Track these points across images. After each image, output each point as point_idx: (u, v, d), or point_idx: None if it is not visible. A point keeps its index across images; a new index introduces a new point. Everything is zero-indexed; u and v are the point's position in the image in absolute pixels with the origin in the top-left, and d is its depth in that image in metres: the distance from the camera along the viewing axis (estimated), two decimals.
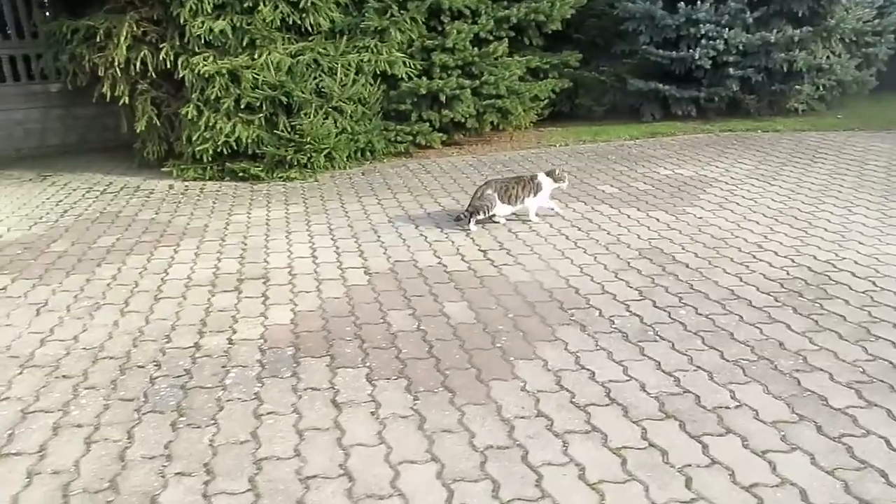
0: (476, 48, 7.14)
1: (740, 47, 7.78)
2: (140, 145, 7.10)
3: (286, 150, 6.47)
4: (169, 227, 5.21)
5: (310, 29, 6.53)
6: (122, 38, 6.39)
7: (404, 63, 6.91)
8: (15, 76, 7.87)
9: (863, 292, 3.56)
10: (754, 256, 4.14)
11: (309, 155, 6.52)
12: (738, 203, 5.24)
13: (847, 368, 2.81)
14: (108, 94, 6.73)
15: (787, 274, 3.85)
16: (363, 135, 6.85)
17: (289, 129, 6.45)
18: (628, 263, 4.10)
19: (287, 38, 6.58)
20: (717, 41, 7.66)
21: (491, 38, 7.25)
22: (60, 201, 6.08)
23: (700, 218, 4.92)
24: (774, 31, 7.65)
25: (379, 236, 4.81)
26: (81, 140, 8.10)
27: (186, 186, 6.53)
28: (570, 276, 3.94)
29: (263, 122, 6.46)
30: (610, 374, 2.83)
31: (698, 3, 7.62)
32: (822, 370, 2.81)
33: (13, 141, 7.96)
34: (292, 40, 6.59)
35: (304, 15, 6.40)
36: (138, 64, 6.51)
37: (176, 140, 6.86)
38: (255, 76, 6.25)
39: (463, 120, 7.25)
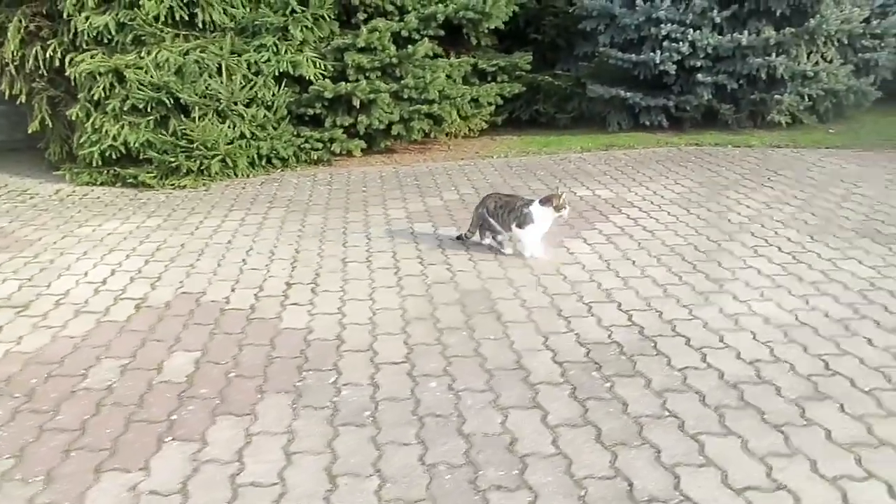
0: (401, 49, 6.46)
1: (709, 51, 6.83)
2: (44, 146, 6.76)
3: (176, 156, 5.98)
4: (2, 238, 4.80)
5: (203, 25, 5.99)
6: (12, 34, 6.04)
7: (314, 63, 6.31)
8: None
9: (679, 370, 2.77)
10: (590, 310, 3.38)
11: (200, 161, 6.02)
12: (631, 236, 4.44)
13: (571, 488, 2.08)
14: (7, 93, 6.40)
15: (608, 337, 3.09)
16: (265, 141, 6.29)
17: (179, 134, 5.95)
18: (433, 313, 3.40)
19: (183, 36, 6.07)
20: (682, 43, 6.74)
21: (418, 37, 6.55)
22: None
23: (572, 253, 4.15)
24: (747, 32, 6.67)
25: (198, 259, 4.26)
26: (8, 138, 7.86)
27: (73, 192, 6.15)
28: (349, 325, 3.27)
29: (153, 126, 5.98)
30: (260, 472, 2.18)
31: (657, 0, 6.72)
32: (529, 488, 2.08)
33: None
34: (189, 37, 6.09)
35: (195, 10, 5.87)
36: (31, 61, 6.15)
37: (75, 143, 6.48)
38: (141, 76, 5.78)
39: (384, 127, 6.60)
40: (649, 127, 7.64)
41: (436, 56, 6.82)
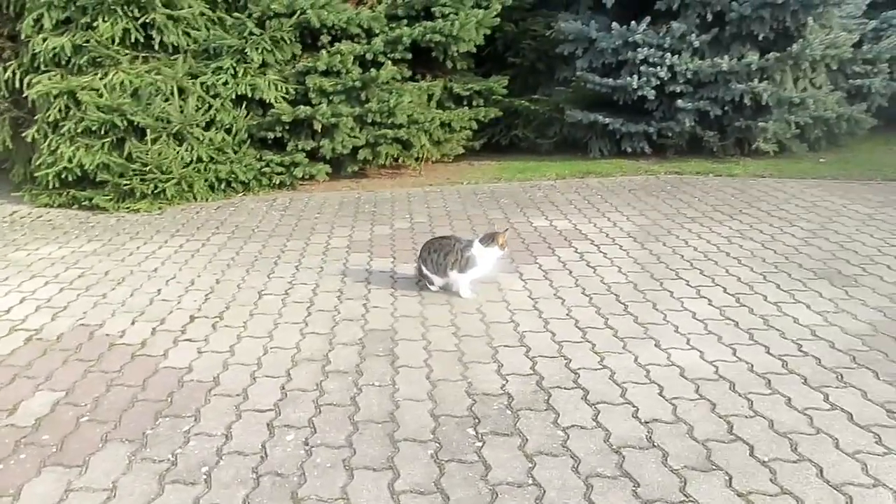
0: (367, 72, 6.29)
1: (689, 76, 6.54)
2: (8, 167, 6.72)
3: (131, 179, 5.87)
4: None
5: (160, 47, 5.89)
6: None
7: (275, 87, 6.17)
8: None
9: (564, 429, 2.49)
10: (494, 355, 3.12)
11: (155, 185, 5.89)
12: (571, 272, 4.17)
13: None
14: None
15: (501, 387, 2.82)
16: (224, 164, 6.15)
17: (133, 157, 5.84)
18: (327, 354, 3.17)
19: (141, 58, 5.98)
20: (660, 68, 6.47)
21: (385, 60, 6.38)
22: None
23: (500, 290, 3.89)
24: (727, 57, 6.37)
25: (114, 289, 4.10)
26: None
27: (28, 214, 6.08)
28: (232, 365, 3.05)
29: (108, 148, 5.88)
30: None
31: (632, 23, 6.46)
32: None
33: None
34: (147, 59, 5.99)
35: (151, 32, 5.77)
36: None
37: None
38: (95, 98, 5.69)
39: (348, 151, 6.42)
40: (631, 154, 7.36)
41: (405, 79, 6.64)
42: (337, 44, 6.24)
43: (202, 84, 5.88)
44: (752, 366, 2.93)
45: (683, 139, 7.12)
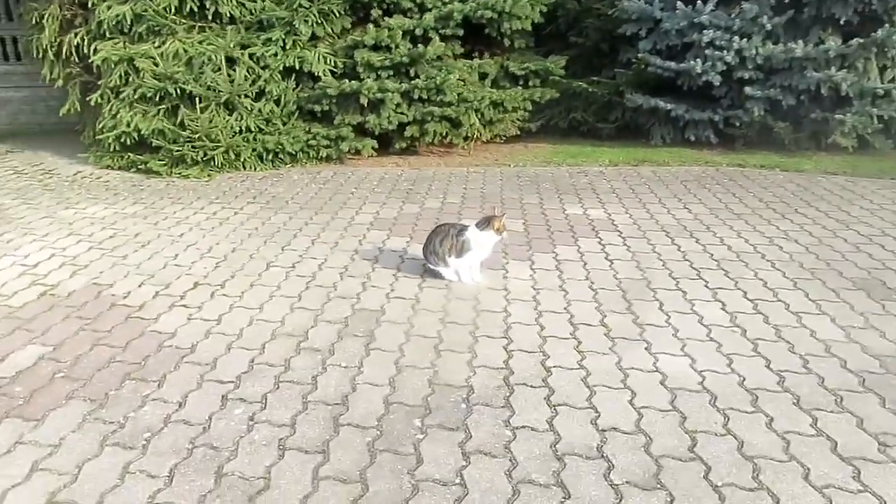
0: (415, 48, 6.21)
1: (759, 61, 6.08)
2: (80, 129, 7.08)
3: (182, 146, 6.06)
4: None
5: (213, 17, 6.02)
6: (49, 22, 6.35)
7: (325, 59, 6.20)
8: (5, 56, 8.29)
9: (514, 429, 2.38)
10: (473, 345, 3.02)
11: (204, 152, 6.07)
12: (586, 264, 3.99)
13: None
14: (47, 77, 6.75)
15: (466, 380, 2.73)
16: (272, 135, 6.25)
17: (185, 124, 6.03)
18: (308, 331, 3.16)
19: (198, 28, 6.13)
20: (726, 52, 6.04)
21: (437, 36, 6.28)
22: None
23: (505, 278, 3.77)
24: (802, 42, 5.88)
25: (136, 250, 4.25)
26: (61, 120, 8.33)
27: (90, 174, 6.39)
28: (214, 334, 3.09)
29: (164, 115, 6.09)
30: None
31: (698, 3, 6.05)
32: None
33: (5, 117, 8.46)
34: (203, 29, 6.14)
35: (206, 2, 5.91)
36: (66, 48, 6.44)
37: None
38: (151, 66, 5.89)
39: (394, 127, 6.39)
40: (695, 143, 6.95)
41: (456, 56, 6.51)
42: (387, 18, 6.16)
43: (251, 55, 5.96)
44: (744, 379, 2.69)
45: (753, 129, 6.66)
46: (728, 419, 2.43)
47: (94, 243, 4.39)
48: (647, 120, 7.13)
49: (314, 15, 5.94)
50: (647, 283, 3.67)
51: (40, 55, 6.64)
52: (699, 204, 5.19)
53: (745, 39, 6.03)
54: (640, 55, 6.58)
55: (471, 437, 2.34)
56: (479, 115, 6.69)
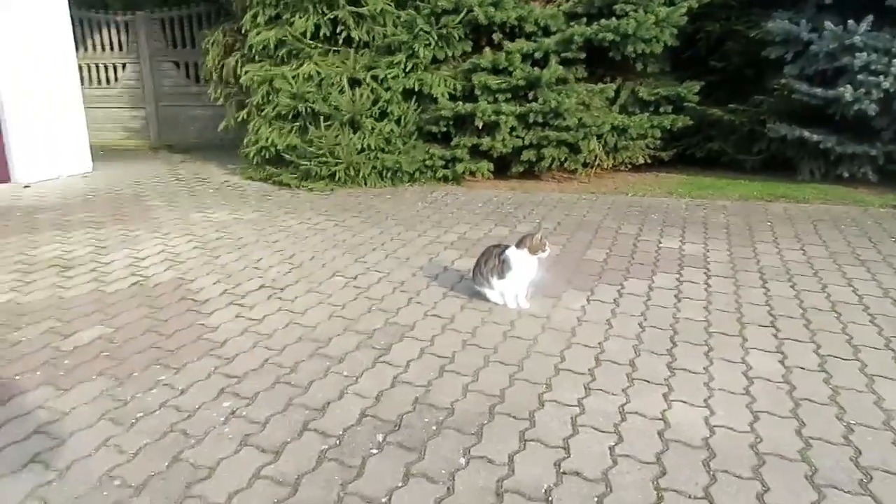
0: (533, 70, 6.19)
1: None
2: (239, 143, 7.87)
3: (309, 161, 6.53)
4: (135, 212, 5.78)
5: (344, 42, 6.43)
6: (212, 47, 7.17)
7: (444, 82, 6.37)
8: (197, 79, 9.44)
9: (467, 459, 2.29)
10: (479, 370, 2.93)
11: (327, 168, 6.48)
12: (648, 299, 3.70)
13: None
14: (212, 96, 7.61)
15: (451, 403, 2.66)
16: (391, 154, 6.53)
17: (311, 141, 6.49)
18: (331, 338, 3.26)
19: (328, 52, 6.58)
20: (884, 77, 5.34)
21: (556, 59, 6.21)
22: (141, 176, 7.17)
23: (554, 307, 3.62)
24: None
25: (231, 251, 4.64)
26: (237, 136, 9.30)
27: (235, 184, 7.07)
28: (249, 332, 3.30)
29: (297, 132, 6.61)
30: None
31: (850, 22, 5.40)
32: None
33: (194, 132, 9.64)
34: (336, 52, 6.59)
35: (339, 27, 6.34)
36: (225, 70, 7.23)
37: None
38: (286, 86, 6.43)
39: (509, 150, 6.39)
40: (850, 180, 6.18)
41: (578, 80, 6.37)
42: (508, 42, 6.19)
43: (374, 77, 6.26)
44: (759, 441, 2.35)
45: None
46: (714, 482, 2.14)
47: (201, 243, 4.84)
48: (795, 153, 6.46)
49: (434, 38, 6.12)
50: (706, 326, 3.33)
51: (208, 76, 7.48)
52: (820, 246, 4.60)
53: None
54: (783, 81, 5.99)
55: (422, 459, 2.27)
56: (602, 142, 6.47)
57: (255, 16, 6.54)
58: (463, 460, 2.26)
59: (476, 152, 6.51)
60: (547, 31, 6.27)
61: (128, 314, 3.55)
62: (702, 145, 6.94)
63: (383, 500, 2.07)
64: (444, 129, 6.40)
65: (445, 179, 6.71)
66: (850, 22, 5.43)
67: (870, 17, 5.35)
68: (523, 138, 6.31)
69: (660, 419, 2.50)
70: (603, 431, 2.42)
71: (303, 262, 4.39)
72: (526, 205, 5.93)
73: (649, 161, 6.99)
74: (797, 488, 2.10)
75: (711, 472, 2.18)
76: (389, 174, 6.62)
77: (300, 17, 6.25)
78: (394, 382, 2.79)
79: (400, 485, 2.14)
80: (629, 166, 6.91)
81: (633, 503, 2.05)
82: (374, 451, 2.32)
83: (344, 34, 6.35)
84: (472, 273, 3.68)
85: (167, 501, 2.07)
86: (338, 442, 2.37)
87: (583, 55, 6.18)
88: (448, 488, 2.12)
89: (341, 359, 3.02)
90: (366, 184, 6.66)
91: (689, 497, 2.07)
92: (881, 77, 5.34)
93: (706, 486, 2.12)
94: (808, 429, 2.43)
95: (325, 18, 6.23)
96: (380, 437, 2.40)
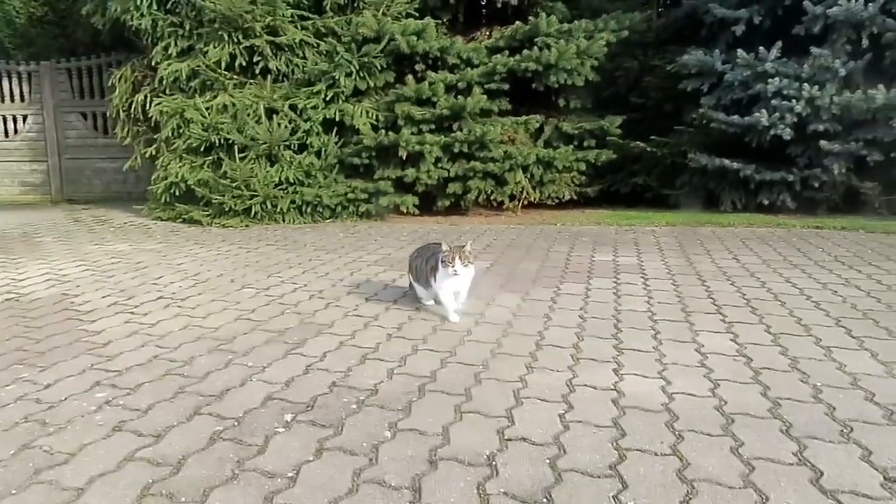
0: (456, 101, 6.08)
1: (834, 111, 5.46)
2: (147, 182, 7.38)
3: (223, 195, 6.13)
4: (21, 246, 5.23)
5: (260, 73, 6.18)
6: (120, 83, 6.78)
7: (366, 113, 6.17)
8: (105, 130, 8.97)
9: (393, 433, 1.91)
10: (406, 356, 2.57)
11: (243, 202, 6.09)
12: (587, 297, 3.45)
13: None
14: (119, 136, 7.15)
15: (375, 385, 2.28)
16: (310, 188, 6.20)
17: (226, 174, 6.11)
18: (239, 336, 2.83)
19: (242, 83, 6.32)
20: (796, 101, 5.48)
21: (479, 91, 6.13)
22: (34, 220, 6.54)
23: (489, 305, 3.31)
24: (884, 88, 5.22)
25: (127, 273, 4.15)
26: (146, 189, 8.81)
27: (140, 223, 6.56)
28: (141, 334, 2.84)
29: (209, 166, 6.22)
30: None
31: (761, 49, 5.57)
32: None
33: (100, 185, 9.09)
34: (248, 84, 6.32)
35: (255, 58, 6.10)
36: (132, 107, 6.82)
37: None
38: (198, 117, 6.08)
39: (435, 182, 6.18)
40: (769, 208, 6.25)
41: (503, 113, 6.30)
42: (431, 73, 6.09)
43: (292, 107, 6.01)
44: (724, 404, 2.08)
45: (837, 192, 5.91)
46: (681, 440, 1.83)
47: (93, 268, 4.35)
48: (717, 184, 6.53)
49: (355, 67, 5.95)
50: (651, 316, 3.09)
51: (113, 114, 7.05)
52: (752, 255, 4.53)
53: (816, 87, 5.43)
54: (700, 111, 6.09)
55: (339, 434, 1.88)
56: (528, 175, 6.37)
57: (166, 47, 6.24)
58: (388, 433, 1.89)
59: (401, 185, 6.28)
60: (470, 63, 6.22)
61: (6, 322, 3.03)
62: (626, 181, 6.95)
63: (290, 474, 1.67)
64: (367, 162, 6.16)
65: (368, 215, 6.42)
66: (762, 49, 5.60)
67: (779, 44, 5.53)
68: (448, 170, 6.14)
69: (612, 390, 2.21)
70: (550, 402, 2.11)
71: (208, 279, 3.97)
72: (453, 233, 5.69)
73: (575, 197, 6.94)
74: (773, 441, 1.83)
75: (677, 432, 1.89)
76: (309, 209, 6.28)
77: (214, 47, 5.98)
78: (307, 370, 2.41)
79: (311, 458, 1.74)
80: (556, 202, 6.82)
81: (591, 463, 1.72)
82: (281, 429, 1.92)
83: (261, 64, 6.11)
84: (409, 264, 3.34)
85: (6, 488, 1.60)
86: (236, 423, 1.96)
87: (506, 86, 6.14)
88: (370, 459, 1.74)
89: (246, 352, 2.62)
90: (284, 220, 6.29)
91: (657, 454, 1.76)
92: (794, 101, 5.48)
93: (673, 444, 1.81)
94: (773, 392, 2.18)
95: (241, 48, 5.98)
96: (288, 417, 2.01)
